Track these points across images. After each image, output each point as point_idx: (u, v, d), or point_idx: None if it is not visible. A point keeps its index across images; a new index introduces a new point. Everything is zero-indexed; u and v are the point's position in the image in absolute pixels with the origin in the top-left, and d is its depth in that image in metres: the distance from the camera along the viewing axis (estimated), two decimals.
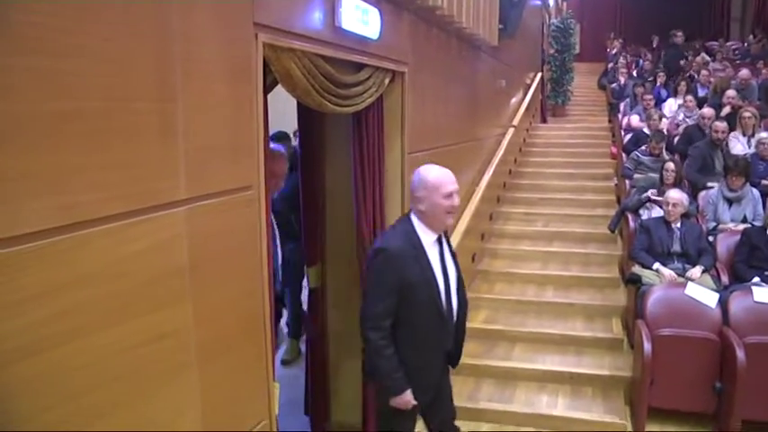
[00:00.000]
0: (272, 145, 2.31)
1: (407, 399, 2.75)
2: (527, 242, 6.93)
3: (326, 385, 4.11)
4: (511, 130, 8.32)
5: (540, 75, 11.51)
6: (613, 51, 15.20)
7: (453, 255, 2.96)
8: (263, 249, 2.21)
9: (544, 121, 11.63)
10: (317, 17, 2.61)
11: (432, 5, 3.98)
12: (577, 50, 12.92)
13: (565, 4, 14.69)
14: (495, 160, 7.15)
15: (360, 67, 3.21)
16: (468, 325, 5.39)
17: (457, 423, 3.62)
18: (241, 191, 2.07)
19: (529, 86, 10.55)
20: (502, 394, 4.57)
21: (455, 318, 2.91)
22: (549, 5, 13.22)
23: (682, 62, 11.97)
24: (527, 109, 9.75)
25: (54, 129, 1.37)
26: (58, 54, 1.37)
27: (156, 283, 1.70)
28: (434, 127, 4.67)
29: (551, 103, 12.29)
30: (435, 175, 2.73)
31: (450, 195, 2.71)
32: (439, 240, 2.83)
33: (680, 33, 12.48)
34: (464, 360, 4.95)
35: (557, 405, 4.45)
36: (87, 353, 1.48)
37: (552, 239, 6.93)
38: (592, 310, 5.56)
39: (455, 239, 5.13)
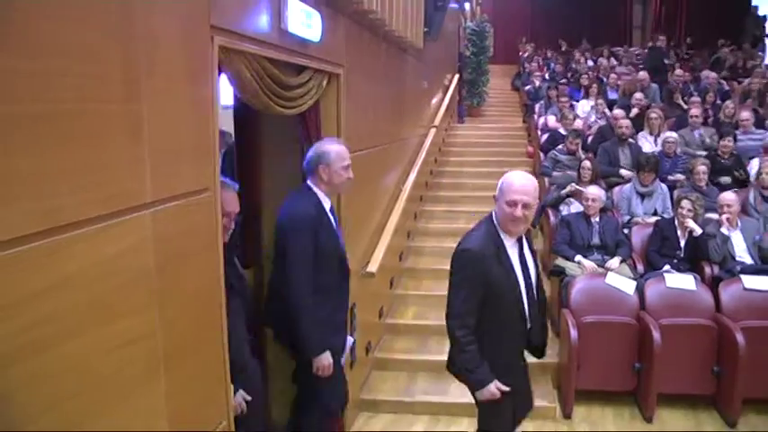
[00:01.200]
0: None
1: (493, 390, 2.81)
2: (451, 239, 7.02)
3: (265, 386, 4.11)
4: (432, 131, 8.50)
5: (457, 76, 11.79)
6: (526, 54, 15.74)
7: (533, 253, 3.03)
8: (219, 252, 2.22)
9: (461, 121, 11.90)
10: (265, 20, 2.64)
11: (366, 9, 4.05)
12: (492, 53, 13.27)
13: (479, 8, 15.07)
14: (419, 160, 7.30)
15: (301, 69, 3.25)
16: (399, 321, 5.55)
17: (393, 417, 3.73)
18: (200, 193, 2.08)
19: (447, 88, 10.81)
20: (437, 387, 4.69)
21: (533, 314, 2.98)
22: (465, 9, 13.53)
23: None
24: (446, 109, 9.99)
25: (30, 132, 1.36)
26: (34, 55, 1.36)
27: (126, 288, 1.70)
28: (367, 128, 4.75)
29: (467, 104, 12.59)
30: (507, 180, 2.80)
31: (512, 204, 2.72)
32: (519, 240, 2.89)
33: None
34: (397, 356, 5.14)
35: None
36: (66, 360, 1.47)
37: None
38: None
39: (385, 239, 5.25)
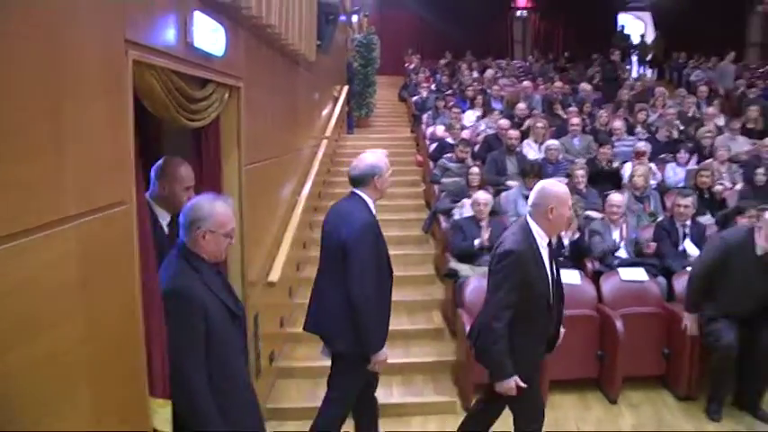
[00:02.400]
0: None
1: (512, 385, 3.17)
2: None
3: None
4: (324, 141, 8.63)
5: (346, 87, 11.97)
6: (412, 66, 16.15)
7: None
8: (136, 265, 2.24)
9: (350, 132, 12.09)
10: (174, 34, 2.66)
11: (265, 23, 4.12)
12: (379, 64, 13.55)
13: (366, 20, 15.34)
14: (313, 170, 7.41)
15: (205, 82, 3.28)
16: (300, 330, 5.58)
17: (302, 423, 3.80)
18: (118, 205, 2.10)
19: (337, 99, 10.96)
20: None
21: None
22: (353, 22, 13.76)
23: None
24: (337, 120, 10.13)
25: None
26: None
27: (51, 301, 1.71)
28: (266, 139, 4.81)
29: (356, 115, 12.78)
30: (564, 190, 3.25)
31: (570, 208, 3.27)
32: (549, 242, 3.26)
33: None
34: (300, 363, 5.20)
35: (392, 394, 4.81)
36: None
37: None
38: (414, 306, 6.01)
39: (283, 249, 5.31)
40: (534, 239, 3.19)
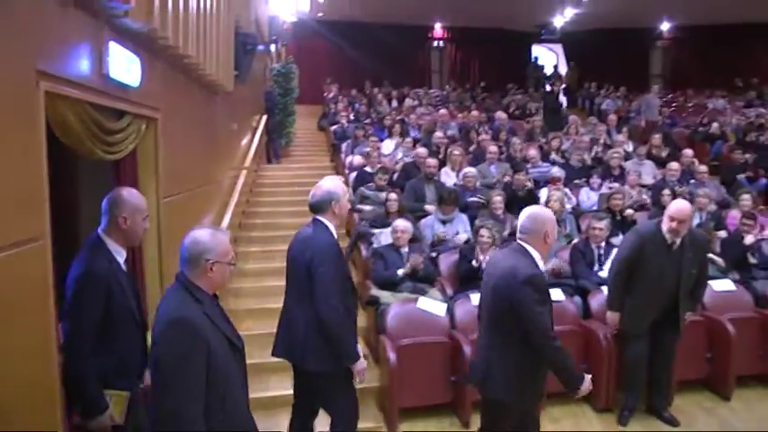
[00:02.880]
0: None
1: (589, 383, 3.38)
2: (270, 278, 7.14)
3: None
4: (243, 172, 8.54)
5: (265, 117, 11.91)
6: (330, 95, 16.21)
7: None
8: (51, 302, 2.15)
9: (278, 161, 12.00)
10: (88, 65, 2.61)
11: (182, 54, 4.08)
12: (297, 94, 13.55)
13: (284, 49, 15.35)
14: (233, 201, 7.31)
15: (121, 114, 3.21)
16: None
17: None
18: (30, 242, 2.02)
19: (256, 129, 10.89)
20: (268, 422, 4.69)
21: None
22: (271, 51, 13.74)
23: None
24: (256, 151, 10.05)
25: None
26: None
27: None
28: (184, 171, 4.73)
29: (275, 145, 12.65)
30: (552, 215, 3.46)
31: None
32: None
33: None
34: None
35: (318, 421, 4.73)
36: None
37: None
38: None
39: None
40: (537, 264, 3.28)
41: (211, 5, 5.10)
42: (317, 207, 3.56)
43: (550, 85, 18.74)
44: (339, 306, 3.38)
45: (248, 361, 5.33)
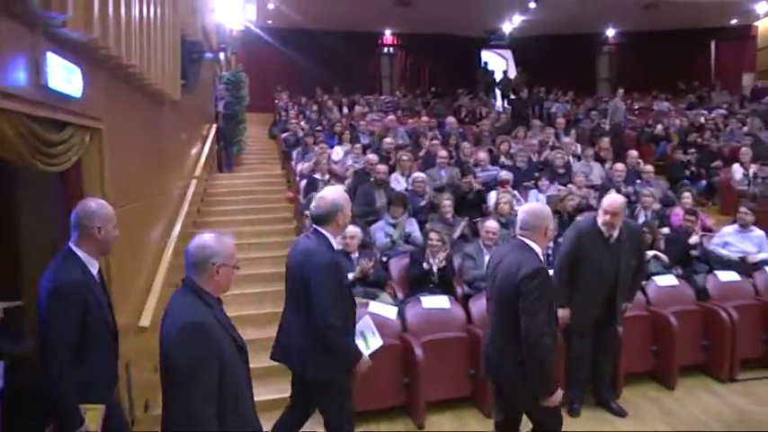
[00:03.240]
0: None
1: (560, 395, 3.42)
2: None
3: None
4: (194, 181, 8.46)
5: (215, 126, 11.80)
6: (281, 103, 16.15)
7: None
8: None
9: (230, 170, 11.90)
10: (25, 77, 2.58)
11: (126, 63, 4.04)
12: (248, 102, 13.46)
13: (234, 57, 15.25)
14: (183, 211, 7.23)
15: (63, 125, 3.17)
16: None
17: None
18: None
19: (206, 138, 10.79)
20: None
21: None
22: (220, 59, 13.64)
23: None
24: (206, 160, 9.96)
25: None
26: None
27: None
28: (132, 181, 4.67)
29: (224, 153, 12.51)
30: (550, 213, 3.66)
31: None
32: None
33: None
34: None
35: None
36: None
37: (243, 282, 7.13)
38: None
39: (154, 292, 5.14)
40: (540, 258, 3.43)
41: (155, 14, 5.06)
42: (322, 218, 3.55)
43: (503, 90, 19.12)
44: (337, 321, 3.41)
45: None
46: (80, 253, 3.00)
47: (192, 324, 2.44)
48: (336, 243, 3.61)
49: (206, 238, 2.62)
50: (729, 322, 5.61)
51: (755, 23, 20.08)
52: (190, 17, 7.93)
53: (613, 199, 4.86)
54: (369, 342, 3.92)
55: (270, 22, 17.70)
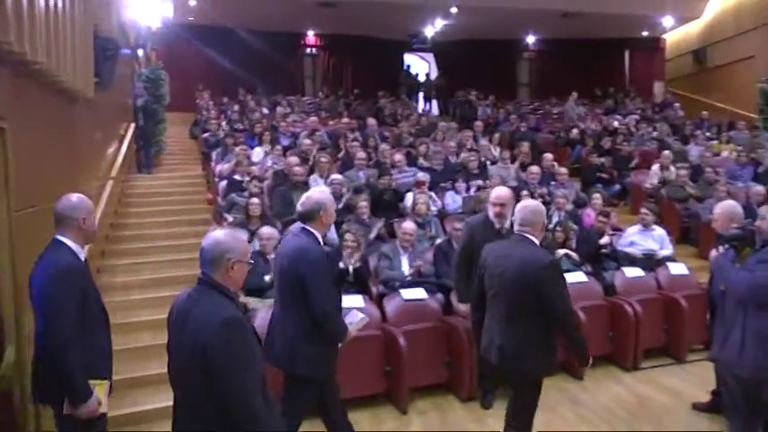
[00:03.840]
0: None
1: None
2: (137, 291, 6.97)
3: None
4: (110, 182, 8.26)
5: (133, 125, 11.51)
6: (202, 102, 15.86)
7: None
8: None
9: (149, 171, 11.60)
10: None
11: (31, 60, 3.92)
12: (168, 100, 13.17)
13: (154, 54, 14.89)
14: (98, 213, 7.04)
15: None
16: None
17: None
18: None
19: (124, 137, 10.52)
20: None
21: None
22: (138, 56, 13.30)
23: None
24: (124, 160, 9.73)
25: None
26: None
27: None
28: (41, 182, 4.53)
29: (142, 153, 12.20)
30: (544, 209, 3.99)
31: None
32: None
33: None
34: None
35: None
36: None
37: (161, 285, 7.06)
38: None
39: None
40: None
41: (64, 9, 4.93)
42: (306, 216, 3.78)
43: (425, 93, 19.41)
44: (333, 312, 3.71)
45: (122, 376, 5.27)
46: (68, 242, 3.25)
47: (232, 318, 2.51)
48: (321, 239, 3.84)
49: (219, 234, 2.69)
50: (633, 315, 5.98)
51: (663, 36, 21.43)
52: (104, 12, 7.72)
53: (500, 191, 5.05)
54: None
55: (191, 18, 17.35)
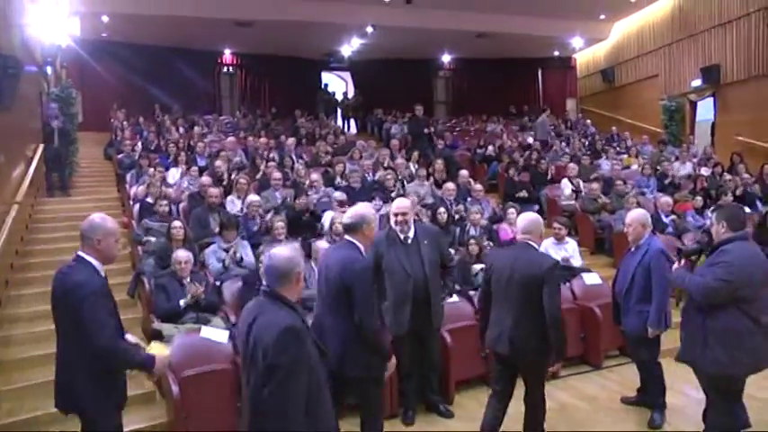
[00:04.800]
0: None
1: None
2: (47, 321, 6.63)
3: None
4: (15, 207, 7.92)
5: (42, 146, 11.07)
6: (117, 122, 15.33)
7: None
8: None
9: (52, 194, 11.17)
10: None
11: None
12: (81, 120, 12.72)
13: (65, 71, 14.40)
14: (1, 239, 6.76)
15: None
16: None
17: None
18: None
19: (31, 159, 10.12)
20: None
21: None
22: (47, 73, 12.83)
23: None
24: (32, 182, 9.36)
25: None
26: None
27: None
28: None
29: (55, 176, 11.74)
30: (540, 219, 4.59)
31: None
32: None
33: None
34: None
35: None
36: None
37: None
38: None
39: None
40: None
41: None
42: (352, 228, 4.10)
43: (344, 111, 19.51)
44: (371, 321, 3.91)
45: (18, 418, 5.03)
46: (90, 259, 3.44)
47: (291, 328, 2.72)
48: (365, 251, 4.13)
49: (285, 251, 2.94)
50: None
51: (574, 56, 22.46)
52: (3, 29, 7.44)
53: (400, 202, 5.30)
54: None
55: (105, 35, 16.85)
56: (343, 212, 7.61)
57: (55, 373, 3.59)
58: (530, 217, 4.48)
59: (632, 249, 5.13)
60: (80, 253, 3.47)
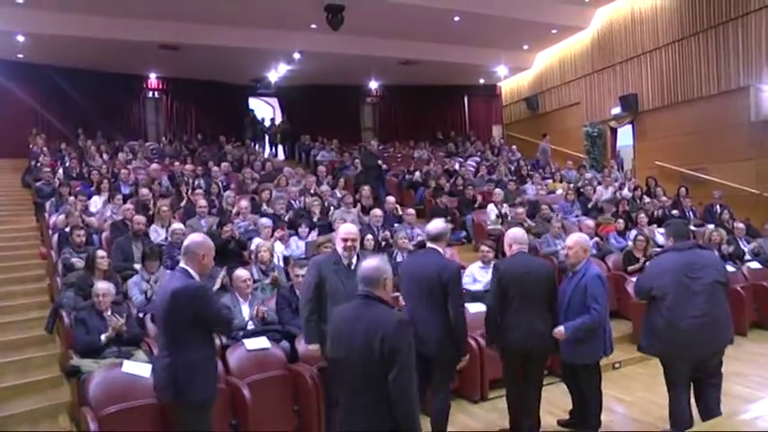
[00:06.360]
0: None
1: None
2: None
3: None
4: None
5: None
6: (36, 148, 14.83)
7: None
8: None
9: None
10: None
11: None
12: None
13: None
14: None
15: None
16: None
17: None
18: None
19: None
20: None
21: None
22: None
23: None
24: None
25: None
26: None
27: None
28: None
29: None
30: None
31: None
32: None
33: None
34: None
35: None
36: None
37: None
38: (37, 415, 5.57)
39: None
40: None
41: None
42: (437, 237, 4.90)
43: (271, 137, 19.49)
44: (463, 312, 4.76)
45: None
46: (190, 271, 4.07)
47: (404, 321, 3.30)
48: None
49: (375, 261, 3.46)
50: (478, 349, 6.12)
51: (499, 84, 23.16)
52: None
53: (348, 227, 5.34)
54: None
55: (21, 56, 16.31)
56: (267, 240, 7.70)
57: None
58: (517, 231, 5.24)
59: (569, 275, 5.24)
60: (183, 266, 4.10)
